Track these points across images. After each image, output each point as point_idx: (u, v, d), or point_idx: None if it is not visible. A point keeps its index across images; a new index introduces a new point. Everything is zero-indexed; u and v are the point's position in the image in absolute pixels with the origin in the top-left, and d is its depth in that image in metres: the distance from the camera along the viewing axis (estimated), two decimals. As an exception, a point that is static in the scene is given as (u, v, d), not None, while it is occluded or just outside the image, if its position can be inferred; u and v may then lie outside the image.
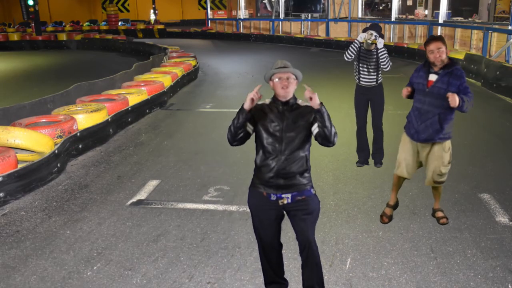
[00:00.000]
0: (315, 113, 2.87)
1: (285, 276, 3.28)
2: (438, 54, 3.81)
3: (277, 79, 2.95)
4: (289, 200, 3.00)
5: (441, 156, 3.96)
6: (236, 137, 2.95)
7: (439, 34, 16.50)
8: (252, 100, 2.85)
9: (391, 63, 5.35)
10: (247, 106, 2.85)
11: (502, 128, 7.44)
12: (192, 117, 8.68)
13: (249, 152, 3.36)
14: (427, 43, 3.90)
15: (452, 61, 3.90)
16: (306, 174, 3.03)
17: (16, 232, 4.16)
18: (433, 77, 3.91)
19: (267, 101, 3.05)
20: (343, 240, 3.88)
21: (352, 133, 7.14)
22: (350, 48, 5.43)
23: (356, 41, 5.40)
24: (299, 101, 3.04)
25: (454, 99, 3.61)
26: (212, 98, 10.48)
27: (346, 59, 5.48)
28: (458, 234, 3.92)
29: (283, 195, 2.99)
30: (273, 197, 3.00)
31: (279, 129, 2.94)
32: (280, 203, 3.01)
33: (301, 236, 3.04)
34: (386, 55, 5.31)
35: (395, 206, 4.30)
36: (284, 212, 3.08)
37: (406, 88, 4.08)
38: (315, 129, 2.95)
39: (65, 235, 4.08)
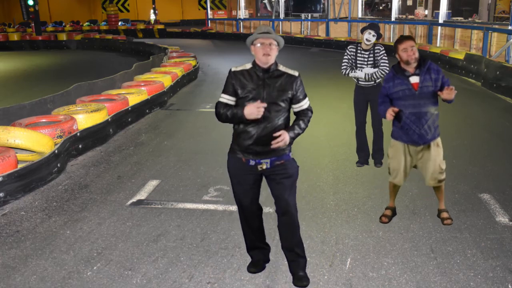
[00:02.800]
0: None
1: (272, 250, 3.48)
2: (411, 52, 3.78)
3: (259, 45, 2.98)
4: (268, 165, 3.06)
5: (439, 153, 3.96)
6: (226, 122, 3.08)
7: (439, 34, 16.51)
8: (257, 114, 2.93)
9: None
10: (250, 117, 2.92)
11: (502, 128, 7.44)
12: (192, 117, 8.68)
13: (249, 152, 3.34)
14: (399, 41, 3.85)
15: (422, 58, 3.88)
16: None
17: (16, 232, 4.16)
18: (415, 79, 3.85)
19: (247, 66, 3.08)
20: (343, 240, 3.88)
21: (352, 133, 7.13)
22: (343, 63, 5.39)
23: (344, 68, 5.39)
24: (280, 67, 3.08)
25: (452, 92, 3.67)
26: (212, 98, 10.47)
27: (345, 73, 5.42)
28: (458, 234, 3.91)
29: (262, 161, 3.04)
30: (252, 163, 3.06)
31: (259, 97, 2.97)
32: (259, 169, 3.07)
33: (279, 199, 3.11)
34: (385, 60, 5.26)
35: (394, 209, 4.28)
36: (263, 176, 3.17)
37: (392, 110, 3.75)
38: (295, 108, 3.11)
39: (65, 235, 4.08)
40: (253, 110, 2.86)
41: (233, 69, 3.07)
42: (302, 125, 3.07)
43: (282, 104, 3.01)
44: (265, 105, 2.89)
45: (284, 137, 2.94)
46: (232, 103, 3.03)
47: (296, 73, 3.08)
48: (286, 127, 3.05)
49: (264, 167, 3.05)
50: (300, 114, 3.11)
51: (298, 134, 3.06)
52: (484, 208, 4.42)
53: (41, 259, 3.69)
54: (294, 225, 3.15)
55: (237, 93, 3.01)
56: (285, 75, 3.04)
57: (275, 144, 2.93)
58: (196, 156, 6.21)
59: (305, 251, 3.29)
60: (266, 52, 2.95)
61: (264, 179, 3.20)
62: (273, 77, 3.01)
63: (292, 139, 3.02)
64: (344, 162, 5.81)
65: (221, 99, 3.07)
